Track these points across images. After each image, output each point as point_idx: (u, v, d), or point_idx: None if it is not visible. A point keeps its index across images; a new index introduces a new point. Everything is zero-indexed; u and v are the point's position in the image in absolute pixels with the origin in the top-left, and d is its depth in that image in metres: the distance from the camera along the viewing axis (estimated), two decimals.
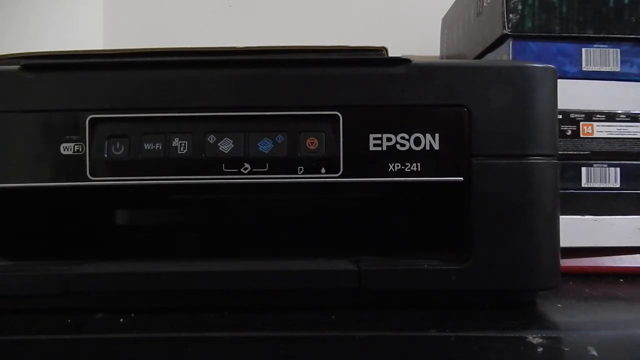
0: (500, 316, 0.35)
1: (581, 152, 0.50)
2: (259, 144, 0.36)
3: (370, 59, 0.37)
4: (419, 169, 0.36)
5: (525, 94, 0.36)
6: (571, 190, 0.50)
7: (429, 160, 0.36)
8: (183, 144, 0.36)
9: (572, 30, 0.50)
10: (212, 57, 0.39)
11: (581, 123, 0.50)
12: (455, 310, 0.36)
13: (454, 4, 0.69)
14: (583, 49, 0.50)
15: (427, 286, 0.36)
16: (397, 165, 0.36)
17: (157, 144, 0.36)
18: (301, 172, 0.36)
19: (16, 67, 0.36)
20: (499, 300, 0.37)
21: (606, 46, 0.50)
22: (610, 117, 0.50)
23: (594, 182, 0.50)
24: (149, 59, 0.38)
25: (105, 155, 0.36)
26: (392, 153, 0.36)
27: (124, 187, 0.36)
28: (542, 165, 0.36)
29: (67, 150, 0.36)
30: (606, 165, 0.50)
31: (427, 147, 0.36)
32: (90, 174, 0.36)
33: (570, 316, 0.37)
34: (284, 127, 0.36)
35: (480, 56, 0.57)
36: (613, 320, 0.37)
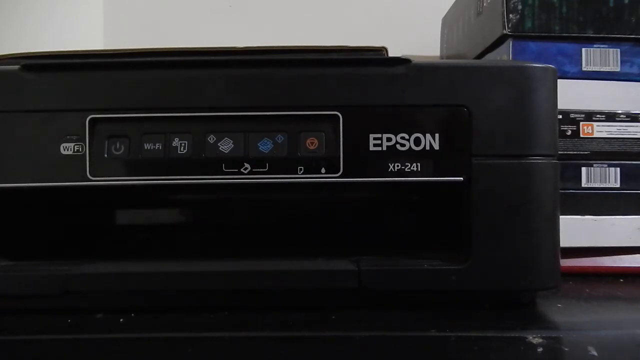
0: (500, 316, 0.35)
1: (581, 152, 0.50)
2: (259, 144, 0.36)
3: (370, 59, 0.37)
4: (419, 169, 0.36)
5: (525, 94, 0.36)
6: (571, 190, 0.50)
7: (429, 160, 0.36)
8: (183, 144, 0.36)
9: (572, 30, 0.50)
10: (212, 57, 0.39)
11: (581, 123, 0.50)
12: (455, 310, 0.36)
13: (454, 4, 0.69)
14: (583, 49, 0.50)
15: (427, 286, 0.36)
16: (397, 165, 0.36)
17: (157, 144, 0.36)
18: (301, 172, 0.36)
19: (16, 67, 0.36)
20: (499, 300, 0.37)
21: (606, 46, 0.50)
22: (610, 117, 0.50)
23: (594, 182, 0.50)
24: (149, 59, 0.38)
25: (105, 155, 0.36)
26: (392, 153, 0.36)
27: (124, 187, 0.36)
28: (542, 165, 0.36)
29: (67, 150, 0.36)
30: (606, 165, 0.50)
31: (427, 147, 0.36)
32: (90, 174, 0.36)
33: (570, 316, 0.37)
34: (284, 127, 0.36)
35: (480, 56, 0.57)
36: (613, 320, 0.37)
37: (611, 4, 0.50)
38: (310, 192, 0.40)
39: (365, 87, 0.36)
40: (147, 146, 0.36)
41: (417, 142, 0.36)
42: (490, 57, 0.54)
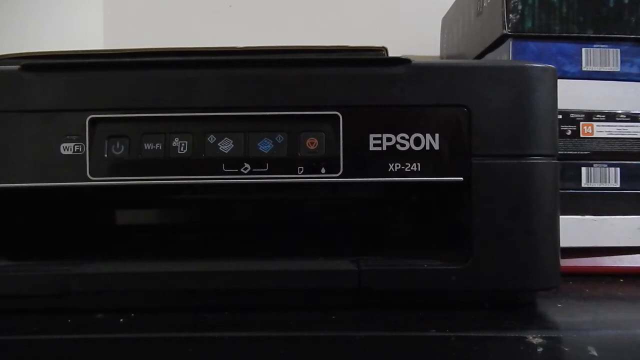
0: (500, 316, 0.35)
1: (581, 152, 0.50)
2: (259, 144, 0.36)
3: (370, 59, 0.37)
4: (419, 169, 0.36)
5: (525, 94, 0.36)
6: (571, 190, 0.50)
7: (429, 160, 0.36)
8: (183, 144, 0.36)
9: (572, 30, 0.50)
10: (212, 57, 0.39)
11: (581, 123, 0.50)
12: (455, 310, 0.36)
13: (454, 4, 0.69)
14: (583, 49, 0.50)
15: (427, 286, 0.36)
16: (397, 165, 0.36)
17: (157, 144, 0.36)
18: (301, 172, 0.36)
19: (16, 67, 0.36)
20: (499, 300, 0.37)
21: (606, 46, 0.50)
22: (610, 117, 0.50)
23: (594, 182, 0.50)
24: (149, 59, 0.38)
25: (105, 155, 0.36)
26: (392, 153, 0.36)
27: (124, 187, 0.36)
28: (542, 165, 0.36)
29: (67, 150, 0.36)
30: (606, 165, 0.50)
31: (427, 147, 0.36)
32: (90, 174, 0.36)
33: (570, 316, 0.37)
34: (284, 127, 0.36)
35: (480, 56, 0.57)
36: (613, 320, 0.37)
37: (611, 4, 0.50)
38: (310, 192, 0.40)
39: (365, 87, 0.36)
40: (147, 146, 0.36)
41: (417, 142, 0.36)
42: (490, 57, 0.54)
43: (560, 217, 0.37)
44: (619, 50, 0.50)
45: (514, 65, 0.37)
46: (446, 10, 0.73)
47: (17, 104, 0.36)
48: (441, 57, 0.75)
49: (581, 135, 0.50)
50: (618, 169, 0.50)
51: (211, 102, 0.36)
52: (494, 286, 0.36)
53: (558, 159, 0.37)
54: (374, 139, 0.36)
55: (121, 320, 0.34)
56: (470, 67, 0.37)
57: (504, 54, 0.51)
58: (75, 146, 0.36)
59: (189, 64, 0.37)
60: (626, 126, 0.50)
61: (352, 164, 0.36)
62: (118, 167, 0.36)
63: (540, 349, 0.31)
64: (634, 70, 0.51)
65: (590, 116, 0.50)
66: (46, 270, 0.36)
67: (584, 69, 0.50)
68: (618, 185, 0.50)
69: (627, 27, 0.50)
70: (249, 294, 0.37)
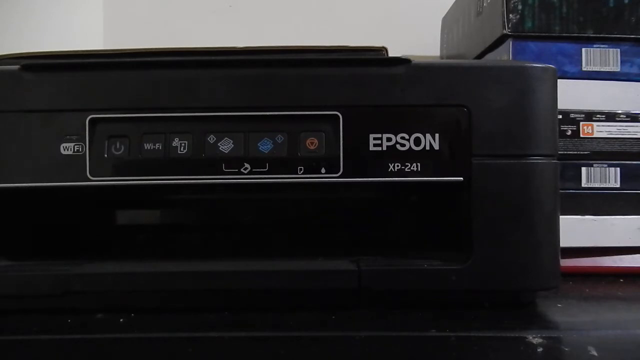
0: (500, 316, 0.35)
1: (581, 152, 0.50)
2: (259, 144, 0.36)
3: (370, 59, 0.37)
4: (419, 169, 0.36)
5: (525, 94, 0.36)
6: (571, 190, 0.50)
7: (429, 160, 0.36)
8: (183, 144, 0.36)
9: (572, 30, 0.50)
10: (212, 57, 0.39)
11: (581, 123, 0.50)
12: (455, 310, 0.36)
13: (454, 4, 0.70)
14: (583, 49, 0.50)
15: (427, 286, 0.36)
16: (397, 165, 0.36)
17: (157, 144, 0.36)
18: (301, 172, 0.36)
19: (16, 67, 0.36)
20: (499, 300, 0.37)
21: (606, 46, 0.50)
22: (610, 117, 0.50)
23: (594, 182, 0.50)
24: (149, 59, 0.38)
25: (105, 155, 0.36)
26: (392, 153, 0.36)
27: (124, 187, 0.36)
28: (542, 165, 0.36)
29: (67, 150, 0.36)
30: (606, 165, 0.50)
31: (427, 147, 0.36)
32: (90, 174, 0.36)
33: (570, 316, 0.37)
34: (284, 127, 0.36)
35: (480, 56, 0.57)
36: (613, 320, 0.37)
37: (611, 4, 0.50)
38: (310, 192, 0.40)
39: (365, 87, 0.36)
40: (147, 146, 0.36)
41: (417, 142, 0.36)
42: (490, 57, 0.54)
43: (560, 217, 0.37)
44: (619, 50, 0.50)
45: (514, 65, 0.37)
46: (446, 10, 0.73)
47: (17, 104, 0.36)
48: (441, 57, 0.75)
49: (581, 135, 0.50)
50: (618, 169, 0.50)
51: (211, 102, 0.36)
52: (494, 286, 0.36)
53: (558, 159, 0.37)
54: (374, 139, 0.36)
55: (121, 320, 0.34)
56: (470, 67, 0.37)
57: (504, 54, 0.51)
58: (75, 146, 0.36)
59: (189, 64, 0.37)
60: (626, 126, 0.50)
61: (352, 164, 0.36)
62: (118, 167, 0.36)
63: (540, 349, 0.31)
64: (634, 70, 0.51)
65: (590, 116, 0.50)
66: (46, 270, 0.36)
67: (584, 69, 0.50)
68: (618, 185, 0.50)
69: (627, 27, 0.50)
70: (249, 294, 0.37)
